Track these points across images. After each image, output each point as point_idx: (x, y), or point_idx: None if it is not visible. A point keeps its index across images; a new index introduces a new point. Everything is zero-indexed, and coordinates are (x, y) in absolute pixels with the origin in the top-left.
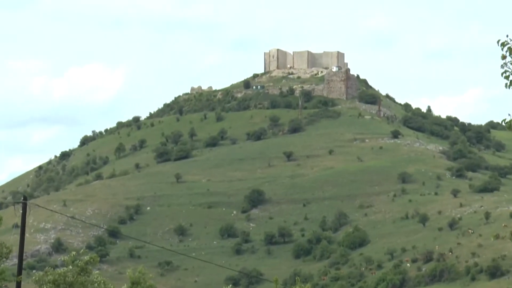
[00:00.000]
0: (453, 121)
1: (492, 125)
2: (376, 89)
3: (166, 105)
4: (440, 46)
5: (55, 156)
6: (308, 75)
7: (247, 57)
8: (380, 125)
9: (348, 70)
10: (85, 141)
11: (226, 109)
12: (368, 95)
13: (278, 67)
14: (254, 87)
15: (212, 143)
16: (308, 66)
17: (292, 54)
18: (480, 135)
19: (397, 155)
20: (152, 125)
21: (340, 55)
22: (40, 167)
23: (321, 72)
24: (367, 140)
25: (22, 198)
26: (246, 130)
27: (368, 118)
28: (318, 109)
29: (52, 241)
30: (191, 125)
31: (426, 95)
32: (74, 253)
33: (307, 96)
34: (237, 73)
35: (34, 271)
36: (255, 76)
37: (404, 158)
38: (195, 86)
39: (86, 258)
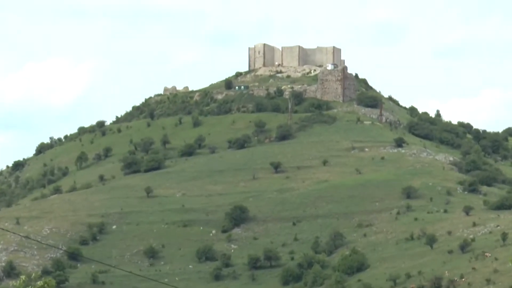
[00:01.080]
0: (465, 127)
1: (510, 133)
2: (378, 91)
3: (135, 108)
4: (452, 42)
5: (7, 167)
6: (299, 74)
7: (229, 53)
8: (382, 132)
9: (345, 68)
10: (41, 149)
11: (204, 113)
12: (368, 98)
13: (264, 65)
14: (236, 87)
15: (188, 152)
16: (299, 64)
17: (280, 49)
18: (497, 144)
19: (401, 166)
20: (119, 130)
21: (336, 51)
22: None
23: (314, 70)
24: (366, 149)
25: None
26: (227, 137)
27: (368, 123)
28: (311, 113)
29: (3, 264)
30: (164, 131)
31: (435, 98)
32: (24, 277)
33: (298, 98)
34: (217, 71)
35: None
36: (238, 74)
37: (409, 170)
38: (169, 86)
39: (40, 283)
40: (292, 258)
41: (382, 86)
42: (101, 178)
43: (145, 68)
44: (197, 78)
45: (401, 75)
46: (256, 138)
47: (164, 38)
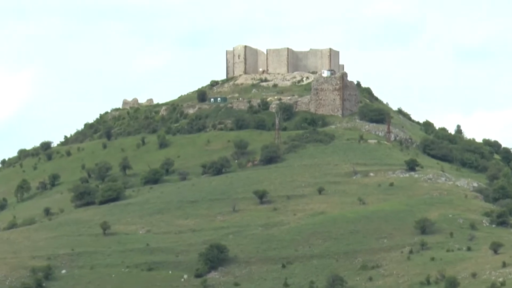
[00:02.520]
0: (492, 146)
1: None
2: (385, 102)
3: (88, 126)
4: (476, 42)
5: None
6: (288, 83)
7: (202, 58)
8: (390, 153)
9: (344, 75)
10: None
11: (172, 131)
12: (373, 111)
13: (246, 72)
14: (212, 99)
15: (154, 179)
16: (288, 70)
17: (265, 52)
18: None
19: (414, 194)
20: (69, 154)
21: (333, 54)
22: None
23: (307, 78)
24: (371, 174)
25: None
26: (201, 160)
27: (373, 142)
28: (303, 131)
29: None
30: (124, 154)
31: (456, 111)
32: None
33: (287, 112)
34: (188, 80)
35: None
36: (214, 84)
37: (424, 199)
38: (129, 99)
39: None
40: None
41: (390, 96)
42: (47, 211)
43: (99, 76)
44: (163, 88)
45: (414, 83)
46: (236, 161)
47: (124, 40)
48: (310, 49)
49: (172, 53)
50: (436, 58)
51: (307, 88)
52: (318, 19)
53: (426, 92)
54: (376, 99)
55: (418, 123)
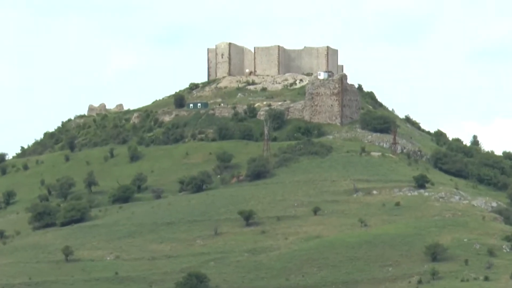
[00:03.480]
0: None
1: None
2: (390, 109)
3: (48, 136)
4: (494, 40)
5: None
6: (279, 86)
7: (180, 57)
8: (397, 168)
9: (344, 77)
10: None
11: (146, 142)
12: (376, 119)
13: (230, 73)
14: (191, 105)
15: (123, 197)
16: (279, 71)
17: (253, 51)
18: None
19: (424, 216)
20: (26, 167)
21: (331, 53)
22: None
23: (301, 81)
24: (375, 192)
25: None
26: (178, 175)
27: (376, 155)
28: (296, 142)
29: None
30: (89, 168)
31: (471, 118)
32: None
33: (278, 120)
34: (164, 83)
35: None
36: (193, 87)
37: (436, 222)
38: (96, 105)
39: None
40: None
41: (397, 102)
42: (1, 234)
43: (62, 79)
44: (135, 92)
45: (424, 87)
46: (219, 177)
47: (90, 37)
48: (305, 47)
49: (146, 52)
50: (449, 58)
51: (301, 92)
52: (314, 12)
53: (437, 98)
54: (380, 105)
55: (428, 133)
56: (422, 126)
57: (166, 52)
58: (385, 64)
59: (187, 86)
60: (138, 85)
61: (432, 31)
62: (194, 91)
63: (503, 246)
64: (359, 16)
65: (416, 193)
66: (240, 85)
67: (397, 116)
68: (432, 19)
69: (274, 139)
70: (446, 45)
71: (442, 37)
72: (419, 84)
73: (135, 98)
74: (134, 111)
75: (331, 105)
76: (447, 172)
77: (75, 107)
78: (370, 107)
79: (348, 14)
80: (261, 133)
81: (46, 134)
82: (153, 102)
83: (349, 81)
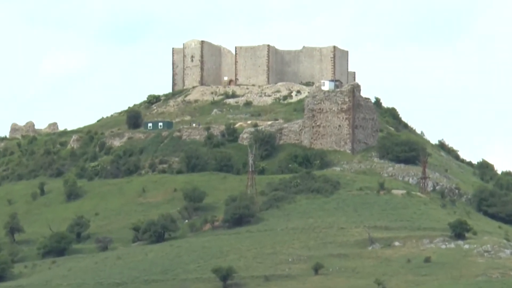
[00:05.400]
0: None
1: None
2: (419, 131)
3: None
4: None
5: None
6: (268, 99)
7: (135, 61)
8: (427, 211)
9: (356, 88)
10: None
11: (88, 174)
12: (400, 145)
13: (203, 82)
14: (150, 125)
15: (58, 249)
16: (269, 80)
17: (234, 52)
18: None
19: (463, 275)
20: None
21: (339, 55)
22: None
23: (298, 92)
24: (397, 243)
25: None
26: (131, 219)
27: (399, 194)
28: (291, 175)
29: None
30: (11, 209)
31: None
32: None
33: (268, 145)
34: (113, 95)
35: None
36: (153, 100)
37: (479, 283)
38: (21, 124)
39: None
40: None
41: (427, 122)
42: None
43: None
44: (74, 107)
45: (463, 103)
46: (186, 222)
47: (14, 31)
48: (303, 47)
49: (89, 53)
50: (497, 66)
51: (298, 109)
52: (316, 1)
53: (482, 117)
54: (405, 126)
55: (470, 164)
56: (462, 155)
57: (117, 53)
58: (411, 72)
59: (145, 99)
60: (78, 97)
61: (471, 28)
62: (154, 106)
63: None
64: (376, 7)
65: (452, 245)
66: (216, 98)
67: (427, 141)
68: (465, 9)
69: (262, 172)
70: (485, 43)
71: (480, 33)
72: (456, 100)
73: (74, 115)
74: (72, 132)
75: (339, 125)
76: (494, 217)
77: None
78: (392, 128)
79: (362, 4)
80: (244, 163)
81: None
82: (99, 121)
83: (363, 93)
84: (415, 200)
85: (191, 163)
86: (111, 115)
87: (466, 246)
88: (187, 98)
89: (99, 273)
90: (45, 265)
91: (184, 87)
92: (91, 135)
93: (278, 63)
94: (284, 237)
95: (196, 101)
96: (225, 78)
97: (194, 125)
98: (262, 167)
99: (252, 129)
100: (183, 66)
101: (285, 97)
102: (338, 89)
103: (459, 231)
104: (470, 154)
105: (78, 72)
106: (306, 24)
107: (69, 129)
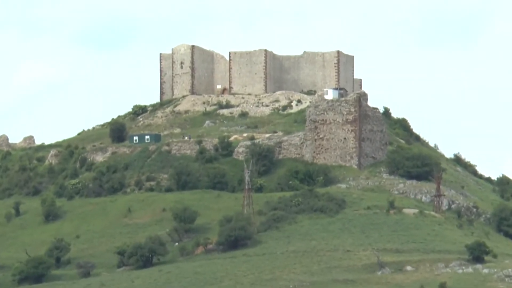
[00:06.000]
0: None
1: None
2: (432, 144)
3: None
4: None
5: None
6: (266, 110)
7: (119, 67)
8: (441, 232)
9: (363, 97)
10: None
11: (68, 192)
12: (411, 159)
13: (193, 91)
14: (135, 138)
15: (35, 275)
16: (266, 88)
17: (228, 57)
18: None
19: None
20: None
21: (344, 61)
22: None
23: (299, 102)
24: (409, 268)
25: None
26: (116, 242)
27: (411, 213)
28: (292, 193)
29: None
30: None
31: None
32: None
33: (266, 160)
34: (95, 105)
35: None
36: (139, 111)
37: None
38: None
39: None
40: None
41: (441, 134)
42: None
43: None
44: (52, 118)
45: (481, 113)
46: (176, 244)
47: None
48: (304, 52)
49: (68, 58)
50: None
51: (299, 120)
52: (318, 2)
53: (502, 128)
54: (417, 138)
55: (488, 180)
56: (480, 170)
57: (98, 60)
58: (423, 79)
59: (130, 109)
60: (56, 108)
61: (488, 30)
62: (140, 118)
63: None
64: (385, 6)
65: (470, 269)
66: (208, 109)
67: (442, 155)
68: (488, 13)
69: (259, 189)
70: (505, 45)
71: (500, 37)
72: (474, 109)
73: (52, 128)
74: (50, 146)
75: (344, 138)
76: None
77: None
78: (402, 141)
79: (368, 3)
80: (239, 180)
81: None
82: (79, 134)
83: (371, 102)
84: (429, 220)
85: (182, 180)
86: (93, 128)
87: (485, 271)
88: (176, 109)
89: None
90: None
91: (173, 97)
92: (71, 150)
93: (277, 70)
94: (284, 261)
95: (186, 112)
96: (218, 87)
97: (186, 137)
98: (259, 184)
99: (249, 143)
100: (172, 73)
101: (284, 107)
102: (343, 98)
103: (478, 254)
104: (489, 169)
105: (56, 80)
106: (307, 27)
107: (46, 143)
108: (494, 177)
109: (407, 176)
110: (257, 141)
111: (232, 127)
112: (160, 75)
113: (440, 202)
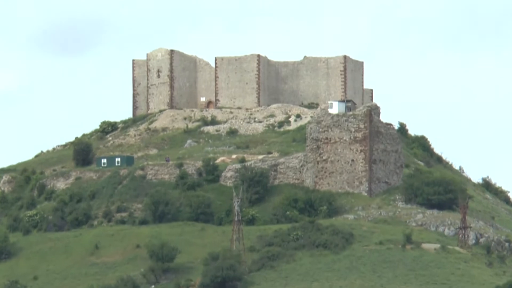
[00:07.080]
0: None
1: None
2: (456, 167)
3: None
4: None
5: None
6: (259, 126)
7: (84, 75)
8: (469, 270)
9: (375, 111)
10: None
11: (24, 226)
12: (432, 185)
13: (173, 104)
14: (104, 161)
15: None
16: (259, 101)
17: (213, 64)
18: None
19: None
20: None
21: (352, 68)
22: None
23: (298, 117)
24: None
25: None
26: (81, 284)
27: (433, 249)
28: (290, 225)
29: None
30: None
31: None
32: None
33: (258, 186)
34: (55, 121)
35: None
36: (108, 129)
37: None
38: None
39: None
40: None
41: (467, 155)
42: None
43: None
44: (5, 139)
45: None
46: (152, 287)
47: None
48: (305, 57)
49: (22, 69)
50: None
51: (298, 138)
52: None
53: None
54: (439, 159)
55: None
56: None
57: (59, 67)
58: (445, 89)
59: (97, 127)
60: (9, 125)
61: None
62: (109, 136)
63: None
64: (399, 5)
65: None
66: (190, 126)
67: (468, 180)
68: None
69: (251, 221)
70: None
71: None
72: (505, 125)
73: (5, 148)
74: (2, 171)
75: (352, 160)
76: None
77: None
78: (421, 163)
79: (380, 1)
80: (227, 211)
81: None
82: (37, 156)
83: (384, 117)
84: (453, 257)
85: (159, 210)
86: (53, 149)
87: None
88: (152, 126)
89: None
90: None
91: (149, 111)
92: (27, 175)
93: (272, 79)
94: None
95: (164, 129)
96: (202, 99)
97: (166, 160)
98: (251, 215)
99: (238, 166)
100: (147, 83)
101: (281, 124)
102: (351, 112)
103: None
104: None
105: (9, 91)
106: (307, 27)
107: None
108: None
109: (427, 204)
110: (248, 163)
111: (218, 148)
112: (133, 86)
113: (466, 236)
